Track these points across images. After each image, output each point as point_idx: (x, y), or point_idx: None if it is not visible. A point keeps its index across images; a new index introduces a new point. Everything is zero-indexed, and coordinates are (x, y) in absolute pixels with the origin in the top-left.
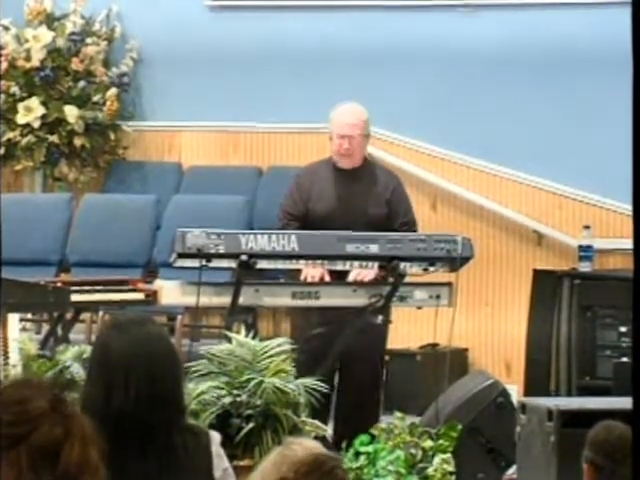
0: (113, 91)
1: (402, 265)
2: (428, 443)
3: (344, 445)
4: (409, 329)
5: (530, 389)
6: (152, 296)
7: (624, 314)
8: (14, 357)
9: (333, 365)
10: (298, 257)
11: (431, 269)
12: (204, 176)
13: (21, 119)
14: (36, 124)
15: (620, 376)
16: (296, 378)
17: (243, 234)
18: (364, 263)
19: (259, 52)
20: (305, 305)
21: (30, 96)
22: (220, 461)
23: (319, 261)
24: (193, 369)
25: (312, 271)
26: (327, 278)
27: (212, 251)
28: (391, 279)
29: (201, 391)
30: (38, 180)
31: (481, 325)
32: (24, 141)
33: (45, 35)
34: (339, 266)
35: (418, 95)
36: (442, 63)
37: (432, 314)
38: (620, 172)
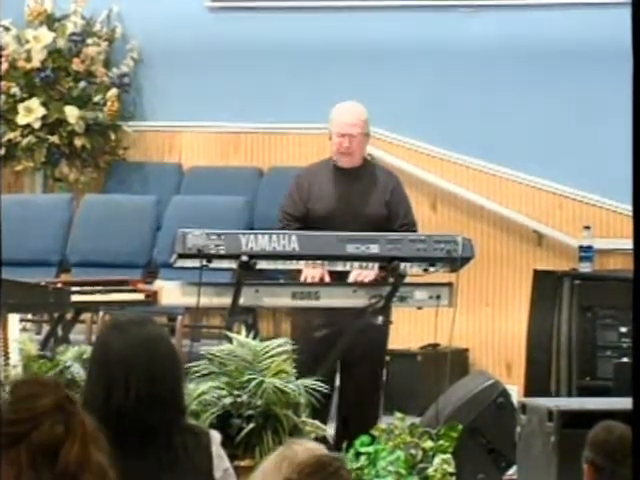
0: (113, 91)
1: (402, 265)
2: (428, 443)
3: (344, 445)
4: (410, 329)
5: (530, 389)
6: (152, 296)
7: (624, 314)
8: (14, 357)
9: (333, 366)
10: (298, 257)
11: (431, 269)
12: (204, 176)
13: (22, 120)
14: (37, 125)
15: (620, 376)
16: (296, 378)
17: (243, 234)
18: (364, 264)
19: (259, 52)
20: (305, 305)
21: (30, 97)
22: (220, 461)
23: (319, 261)
24: (194, 369)
25: (312, 271)
26: (327, 278)
27: (212, 251)
28: (391, 280)
29: (202, 391)
30: (39, 181)
31: (481, 325)
32: (25, 142)
33: (46, 36)
34: (339, 267)
35: (418, 95)
36: (442, 63)
37: (432, 314)
38: (620, 172)
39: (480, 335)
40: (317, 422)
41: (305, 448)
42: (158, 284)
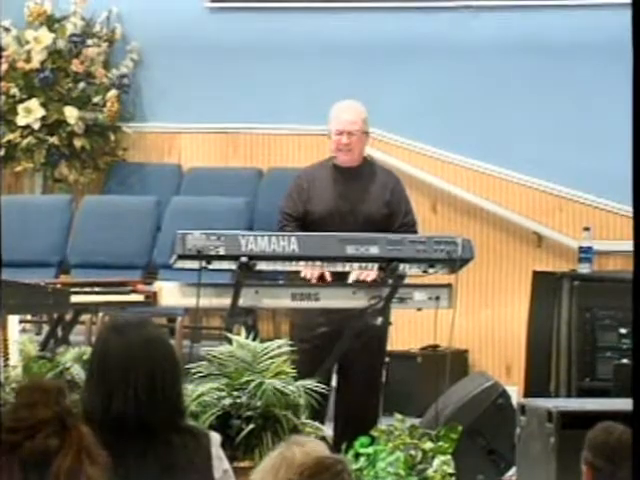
0: (113, 92)
1: (401, 266)
2: (428, 445)
3: (344, 447)
4: (409, 331)
5: (530, 390)
6: (152, 297)
7: (624, 316)
8: (14, 358)
9: (332, 367)
10: (298, 259)
11: (430, 271)
12: (204, 178)
13: (21, 120)
14: (36, 125)
15: (620, 378)
16: (295, 379)
17: (243, 235)
18: (364, 265)
19: (259, 54)
20: (305, 306)
21: (30, 97)
22: (220, 462)
23: (319, 263)
24: (193, 370)
25: (311, 270)
26: (327, 275)
27: (212, 253)
28: (390, 281)
29: (201, 392)
30: (38, 181)
31: (481, 326)
32: (24, 142)
33: (46, 36)
34: (339, 268)
35: (418, 97)
36: (442, 64)
37: (432, 315)
38: (620, 174)
39: (480, 336)
40: (317, 423)
41: (304, 449)
42: (158, 285)
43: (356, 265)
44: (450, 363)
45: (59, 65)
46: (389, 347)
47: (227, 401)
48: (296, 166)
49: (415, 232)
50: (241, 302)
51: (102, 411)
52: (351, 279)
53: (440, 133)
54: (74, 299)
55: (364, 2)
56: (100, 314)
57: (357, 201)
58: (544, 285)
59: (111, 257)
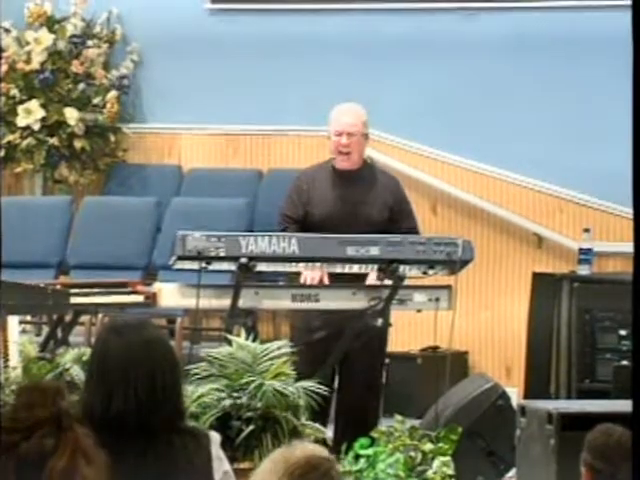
0: (113, 93)
1: (401, 268)
2: (428, 446)
3: (344, 448)
4: (409, 332)
5: (530, 392)
6: (151, 298)
7: (624, 317)
8: (14, 359)
9: (332, 368)
10: (298, 260)
11: (430, 272)
12: (204, 179)
13: (21, 121)
14: (36, 126)
15: (620, 379)
16: (296, 381)
17: (243, 237)
18: (364, 266)
19: (259, 55)
20: (305, 308)
21: (30, 98)
22: (220, 463)
23: (319, 264)
24: (193, 372)
25: (311, 273)
26: (326, 280)
27: (212, 254)
28: (389, 282)
29: (201, 394)
30: (38, 183)
31: (481, 328)
32: (24, 143)
33: (46, 37)
34: (339, 269)
35: (419, 98)
36: (443, 65)
37: (432, 317)
38: (621, 175)
39: (480, 338)
40: (317, 425)
41: (299, 450)
42: (157, 286)
43: (356, 266)
44: (450, 364)
45: (59, 66)
46: (389, 348)
47: (227, 402)
48: (296, 167)
49: (418, 235)
50: (241, 303)
51: (102, 412)
52: (368, 282)
53: (440, 134)
54: (74, 300)
55: (364, 3)
56: (100, 315)
57: (358, 204)
58: (544, 286)
59: (111, 258)
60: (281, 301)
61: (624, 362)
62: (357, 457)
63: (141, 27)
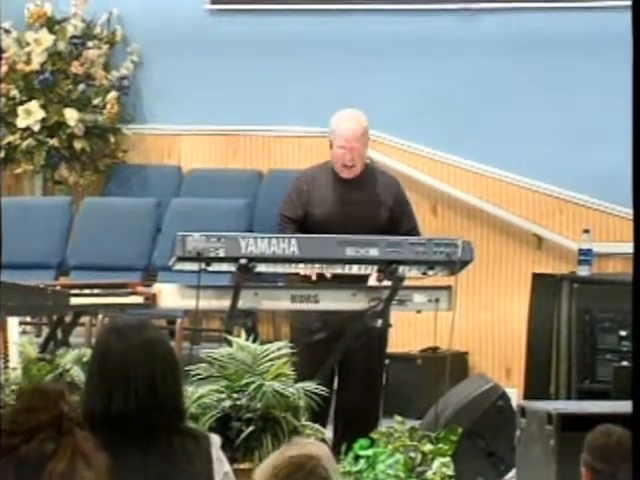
0: (113, 94)
1: (400, 269)
2: (428, 447)
3: (344, 448)
4: (409, 333)
5: (530, 393)
6: (151, 299)
7: (624, 318)
8: (14, 360)
9: (332, 369)
10: (298, 261)
11: (430, 273)
12: (204, 179)
13: (21, 122)
14: (36, 127)
15: (620, 380)
16: (295, 382)
17: (243, 237)
18: (364, 267)
19: (259, 55)
20: (304, 308)
21: (30, 99)
22: (221, 465)
23: (318, 265)
24: (193, 372)
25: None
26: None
27: (212, 255)
28: (389, 282)
29: (201, 394)
30: (38, 183)
31: (481, 328)
32: (24, 144)
33: (46, 38)
34: (338, 270)
35: (419, 98)
36: (443, 65)
37: (432, 317)
38: (620, 176)
39: (480, 338)
40: (316, 425)
41: (292, 450)
42: (157, 287)
43: (355, 267)
44: (450, 365)
45: (59, 67)
46: (389, 349)
47: (227, 403)
48: (296, 168)
49: (418, 235)
50: (241, 304)
51: (102, 413)
52: (370, 283)
53: (440, 134)
54: (74, 301)
55: (364, 3)
56: (100, 316)
57: (358, 206)
58: (544, 287)
59: (111, 259)
60: (281, 302)
61: (624, 363)
62: (357, 458)
63: (141, 28)
